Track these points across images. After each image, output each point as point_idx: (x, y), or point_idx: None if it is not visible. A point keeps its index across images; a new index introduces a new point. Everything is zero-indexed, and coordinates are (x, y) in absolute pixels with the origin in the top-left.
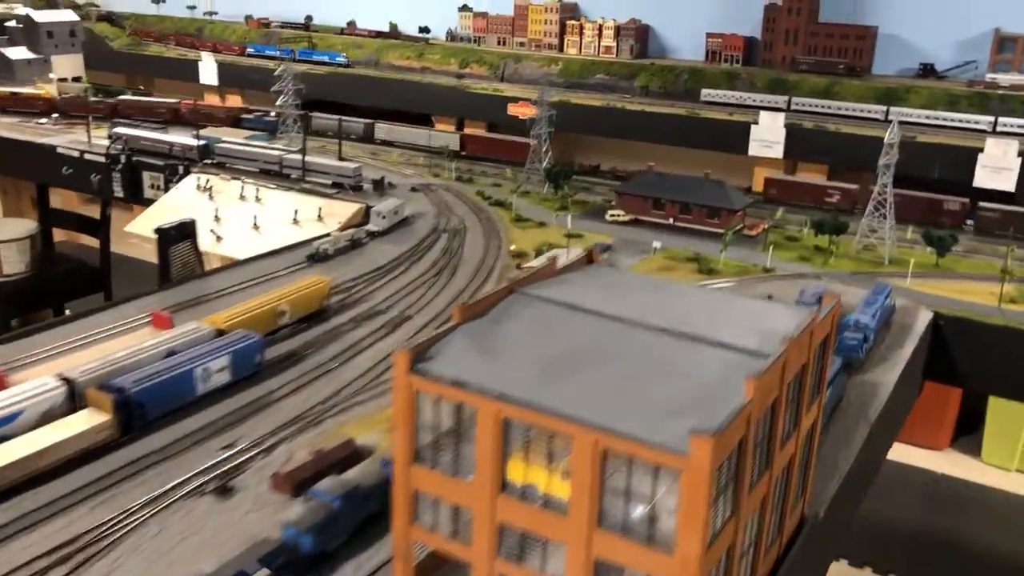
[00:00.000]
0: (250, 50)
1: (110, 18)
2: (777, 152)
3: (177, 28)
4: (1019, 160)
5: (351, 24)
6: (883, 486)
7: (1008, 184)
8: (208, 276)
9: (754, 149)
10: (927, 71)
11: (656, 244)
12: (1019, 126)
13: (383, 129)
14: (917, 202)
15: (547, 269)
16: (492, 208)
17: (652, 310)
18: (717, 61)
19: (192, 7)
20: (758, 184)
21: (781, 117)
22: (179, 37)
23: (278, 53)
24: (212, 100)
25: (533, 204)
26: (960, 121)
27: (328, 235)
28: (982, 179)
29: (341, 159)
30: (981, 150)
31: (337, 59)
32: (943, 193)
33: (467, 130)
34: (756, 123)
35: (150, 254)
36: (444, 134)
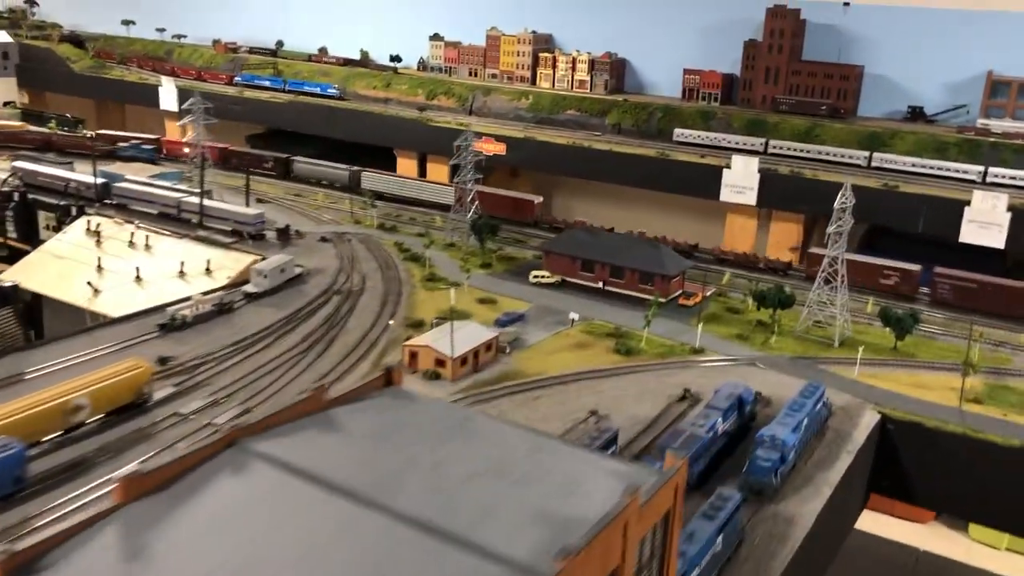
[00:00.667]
0: (238, 79)
1: (75, 39)
2: (750, 198)
3: (146, 51)
4: (1008, 215)
5: (322, 51)
6: (858, 565)
7: (996, 240)
8: (33, 349)
9: (726, 195)
10: (916, 114)
11: (573, 316)
12: (1011, 177)
13: (371, 178)
14: (858, 267)
15: (310, 401)
16: (406, 264)
17: (417, 479)
18: (694, 99)
19: (161, 29)
20: (731, 239)
21: (755, 161)
22: (141, 60)
23: (268, 83)
24: (173, 130)
25: (454, 259)
26: (948, 170)
27: (189, 299)
28: (969, 234)
29: (256, 202)
30: (968, 203)
31: (329, 91)
32: (930, 248)
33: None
34: (729, 167)
35: None
36: (439, 186)
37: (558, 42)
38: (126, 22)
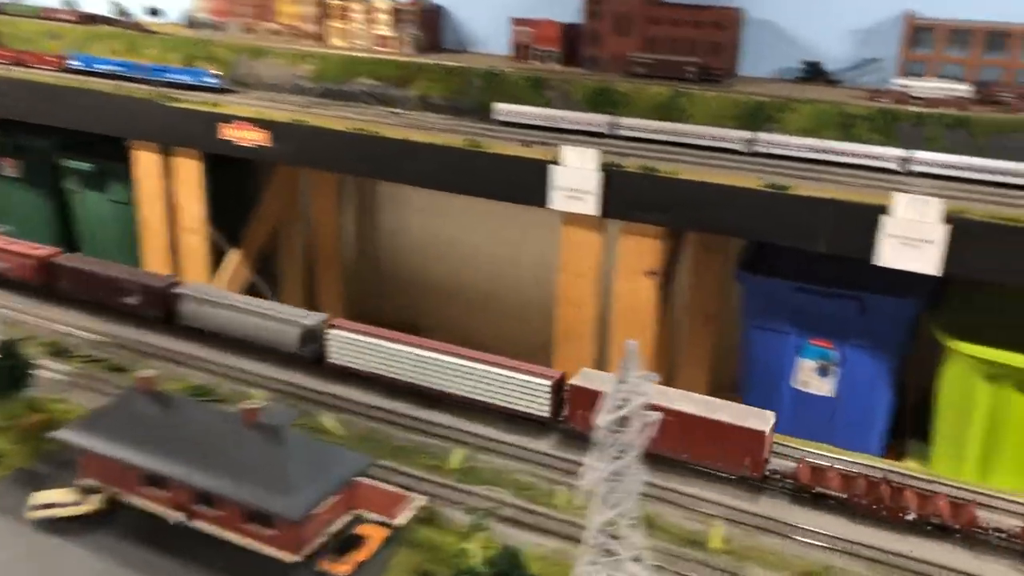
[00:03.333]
0: (73, 62)
1: None
2: (589, 206)
3: None
4: (945, 229)
5: (71, 6)
6: None
7: (926, 263)
8: None
9: (558, 201)
10: (813, 73)
11: None
12: (943, 165)
13: None
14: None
15: None
16: None
17: None
18: (525, 58)
19: None
20: (570, 259)
21: (592, 155)
22: None
23: (119, 68)
24: None
25: None
26: (858, 156)
27: None
28: (888, 255)
29: None
30: (884, 210)
31: (205, 79)
32: (835, 277)
33: None
34: (557, 162)
35: None
36: None
37: None
38: None
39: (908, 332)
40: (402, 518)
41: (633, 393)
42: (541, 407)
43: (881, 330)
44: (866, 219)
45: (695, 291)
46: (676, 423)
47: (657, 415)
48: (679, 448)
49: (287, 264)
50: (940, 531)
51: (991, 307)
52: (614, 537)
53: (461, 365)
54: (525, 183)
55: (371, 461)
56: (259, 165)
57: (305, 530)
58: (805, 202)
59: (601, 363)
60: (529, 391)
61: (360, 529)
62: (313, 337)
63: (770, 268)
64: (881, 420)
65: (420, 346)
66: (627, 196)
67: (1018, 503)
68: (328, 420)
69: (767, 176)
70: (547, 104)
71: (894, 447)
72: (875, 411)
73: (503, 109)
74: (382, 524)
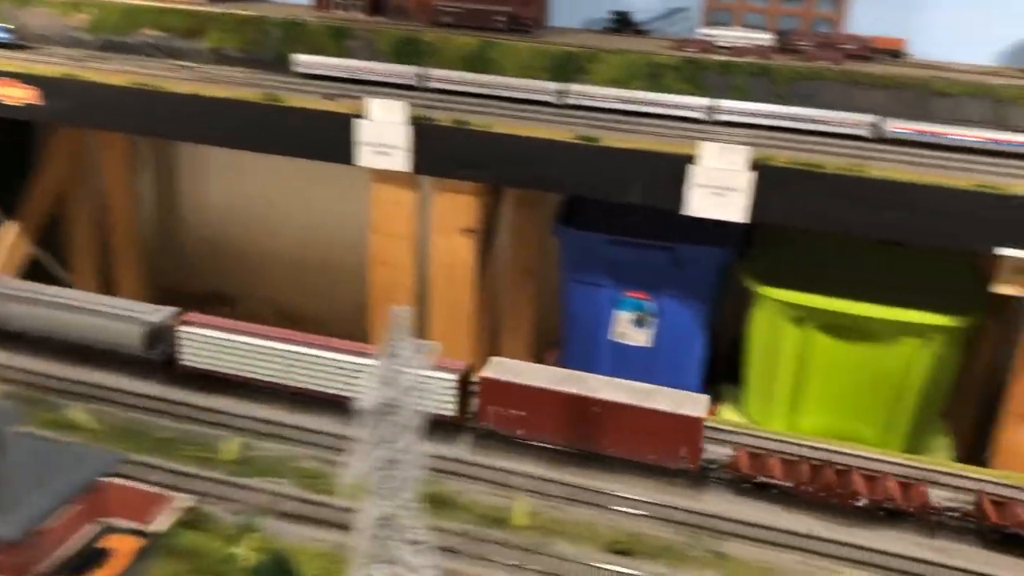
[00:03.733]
0: None
1: None
2: (399, 162)
3: None
4: (751, 176)
5: None
6: None
7: (734, 211)
8: None
9: (365, 157)
10: (621, 22)
11: None
12: (747, 114)
13: None
14: None
15: None
16: None
17: None
18: (327, 7)
19: None
20: (381, 220)
21: (399, 108)
22: None
23: None
24: None
25: None
26: (666, 106)
27: None
28: (697, 204)
29: None
30: (692, 159)
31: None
32: (650, 229)
33: None
34: (362, 116)
35: None
36: None
37: None
38: None
39: (720, 280)
40: (160, 523)
41: (403, 367)
42: (446, 406)
43: (694, 280)
44: (675, 169)
45: (515, 248)
46: (601, 415)
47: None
48: (605, 442)
49: (77, 236)
50: (892, 516)
51: (796, 252)
52: (391, 529)
53: (349, 363)
54: (329, 139)
55: (120, 458)
56: (38, 126)
57: (32, 551)
58: (616, 154)
59: (422, 328)
60: (432, 388)
61: (107, 541)
62: (161, 336)
63: (586, 222)
64: (697, 367)
65: (305, 343)
66: (439, 151)
67: (965, 477)
68: (78, 414)
69: (579, 128)
70: (350, 55)
71: (709, 393)
72: (691, 359)
73: (304, 61)
74: (136, 532)
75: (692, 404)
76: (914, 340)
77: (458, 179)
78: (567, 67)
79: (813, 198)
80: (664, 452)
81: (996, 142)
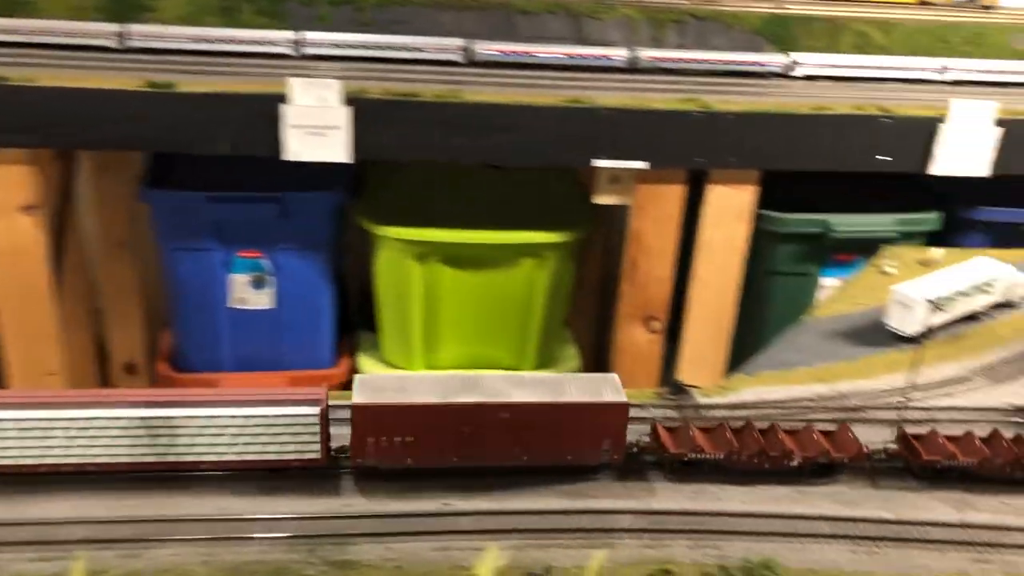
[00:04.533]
0: None
1: None
2: None
3: None
4: (347, 112)
5: None
6: None
7: (338, 152)
8: None
9: None
10: None
11: None
12: (336, 45)
13: None
14: None
15: None
16: None
17: None
18: None
19: None
20: None
21: None
22: None
23: None
24: None
25: None
26: (246, 43)
27: None
28: (297, 148)
29: None
30: (283, 98)
31: None
32: (256, 182)
33: None
34: None
35: None
36: None
37: None
38: None
39: (337, 227)
40: None
41: None
42: (308, 449)
43: (307, 229)
44: (266, 112)
45: (103, 221)
46: (509, 420)
47: None
48: (516, 452)
49: None
50: (826, 469)
51: (410, 188)
52: None
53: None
54: None
55: None
56: None
57: None
58: (196, 99)
59: None
60: (291, 428)
61: None
62: None
63: (181, 181)
64: (327, 320)
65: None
66: None
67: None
68: None
69: (149, 75)
70: None
71: (345, 344)
72: (319, 313)
73: None
74: None
75: (609, 388)
76: (531, 260)
77: (4, 147)
78: (125, 5)
79: (413, 129)
80: (584, 449)
81: (580, 57)
